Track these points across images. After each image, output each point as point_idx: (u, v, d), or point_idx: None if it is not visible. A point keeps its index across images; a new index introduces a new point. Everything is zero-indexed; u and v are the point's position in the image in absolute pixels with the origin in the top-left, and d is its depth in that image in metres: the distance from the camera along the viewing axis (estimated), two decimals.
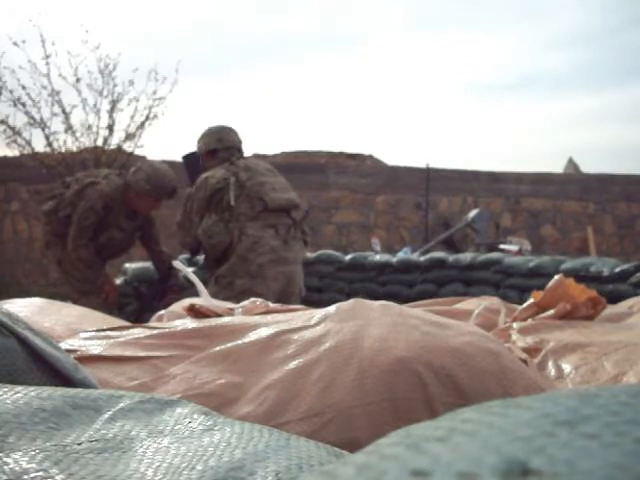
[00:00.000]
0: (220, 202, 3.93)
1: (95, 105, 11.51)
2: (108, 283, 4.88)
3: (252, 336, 1.22)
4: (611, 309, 2.00)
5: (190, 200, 4.05)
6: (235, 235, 3.90)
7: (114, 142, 11.52)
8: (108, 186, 4.72)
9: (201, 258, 5.83)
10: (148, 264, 5.82)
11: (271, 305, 1.67)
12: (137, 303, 5.01)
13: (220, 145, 4.22)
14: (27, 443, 0.54)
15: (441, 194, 12.16)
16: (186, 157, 4.68)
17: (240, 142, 4.33)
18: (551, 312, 1.78)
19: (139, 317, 4.46)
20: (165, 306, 2.26)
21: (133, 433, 0.59)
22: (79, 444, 0.55)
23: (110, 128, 11.51)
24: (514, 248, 8.13)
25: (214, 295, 3.34)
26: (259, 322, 1.29)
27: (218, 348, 1.20)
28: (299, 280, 4.10)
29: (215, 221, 3.92)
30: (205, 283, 2.79)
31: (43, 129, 11.42)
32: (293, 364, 1.14)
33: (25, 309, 1.58)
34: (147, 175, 4.65)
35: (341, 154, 13.79)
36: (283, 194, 4.05)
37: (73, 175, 5.20)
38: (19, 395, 0.60)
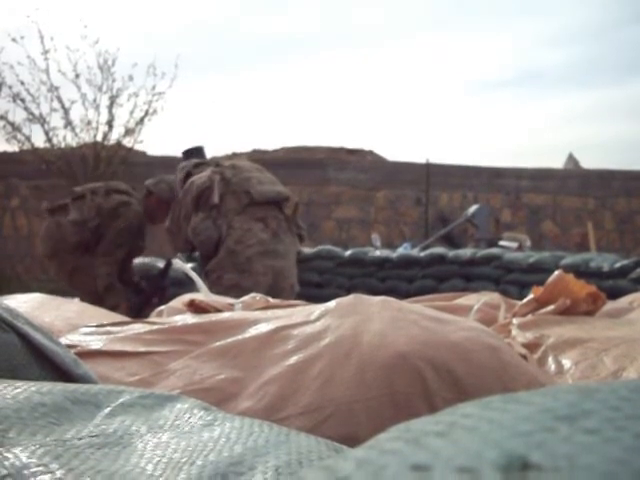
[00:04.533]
0: (207, 201, 3.95)
1: (94, 100, 11.52)
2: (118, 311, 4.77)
3: (252, 331, 1.22)
4: (611, 305, 2.00)
5: (178, 206, 4.07)
6: (223, 230, 3.89)
7: (114, 137, 11.53)
8: (139, 205, 4.83)
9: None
10: (148, 259, 5.82)
11: (271, 300, 1.67)
12: (137, 298, 4.99)
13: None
14: (27, 438, 0.54)
15: (441, 190, 12.16)
16: (186, 152, 4.68)
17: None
18: (551, 308, 1.78)
19: (139, 312, 4.45)
20: (165, 301, 2.26)
21: (133, 428, 0.59)
22: (79, 439, 0.55)
23: (109, 123, 11.51)
24: (513, 245, 8.13)
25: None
26: (259, 317, 1.29)
27: (218, 343, 1.20)
28: (290, 275, 4.05)
29: (202, 219, 3.93)
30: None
31: (42, 125, 11.42)
32: (293, 359, 1.14)
33: (25, 304, 1.58)
34: (170, 186, 4.77)
35: (341, 149, 13.78)
36: (270, 187, 4.06)
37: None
38: (19, 390, 0.60)
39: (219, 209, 3.92)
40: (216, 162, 4.25)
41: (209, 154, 4.78)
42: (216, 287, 3.61)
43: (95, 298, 4.62)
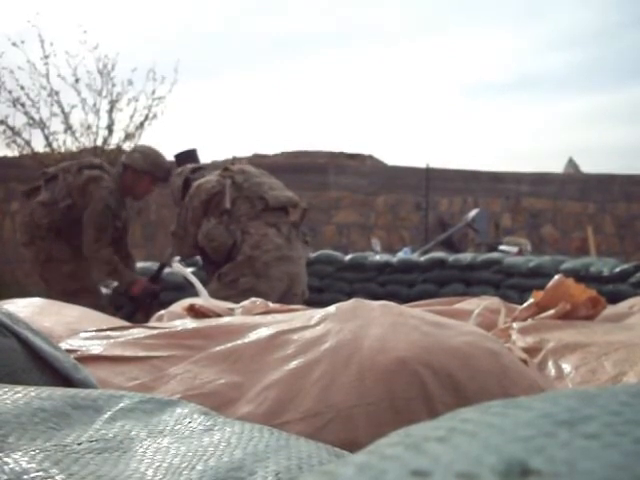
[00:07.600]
0: (218, 206, 3.91)
1: (94, 105, 11.52)
2: (136, 287, 4.54)
3: (252, 336, 1.22)
4: (611, 309, 2.00)
5: (185, 209, 4.03)
6: (238, 235, 3.87)
7: (114, 142, 11.53)
8: (113, 181, 4.58)
9: (200, 259, 5.81)
10: (149, 264, 5.81)
11: (271, 305, 1.67)
12: (130, 304, 4.87)
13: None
14: (27, 443, 0.54)
15: (441, 194, 12.16)
16: (179, 156, 4.65)
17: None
18: (551, 312, 1.78)
19: (132, 317, 4.41)
20: (157, 306, 2.25)
21: (133, 433, 0.59)
22: (79, 444, 0.55)
23: (109, 128, 11.52)
24: (514, 249, 8.13)
25: (215, 293, 3.31)
26: (259, 322, 1.29)
27: (218, 348, 1.20)
28: (302, 282, 4.05)
29: (215, 224, 3.89)
30: (204, 284, 2.78)
31: (42, 129, 11.44)
32: (293, 364, 1.14)
33: (25, 309, 1.58)
34: (144, 154, 4.61)
35: (341, 154, 13.78)
36: (281, 192, 4.05)
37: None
38: (19, 395, 0.60)
39: (230, 214, 3.89)
40: (224, 166, 4.22)
41: (210, 159, 4.75)
42: (230, 290, 3.58)
43: (66, 293, 4.26)
